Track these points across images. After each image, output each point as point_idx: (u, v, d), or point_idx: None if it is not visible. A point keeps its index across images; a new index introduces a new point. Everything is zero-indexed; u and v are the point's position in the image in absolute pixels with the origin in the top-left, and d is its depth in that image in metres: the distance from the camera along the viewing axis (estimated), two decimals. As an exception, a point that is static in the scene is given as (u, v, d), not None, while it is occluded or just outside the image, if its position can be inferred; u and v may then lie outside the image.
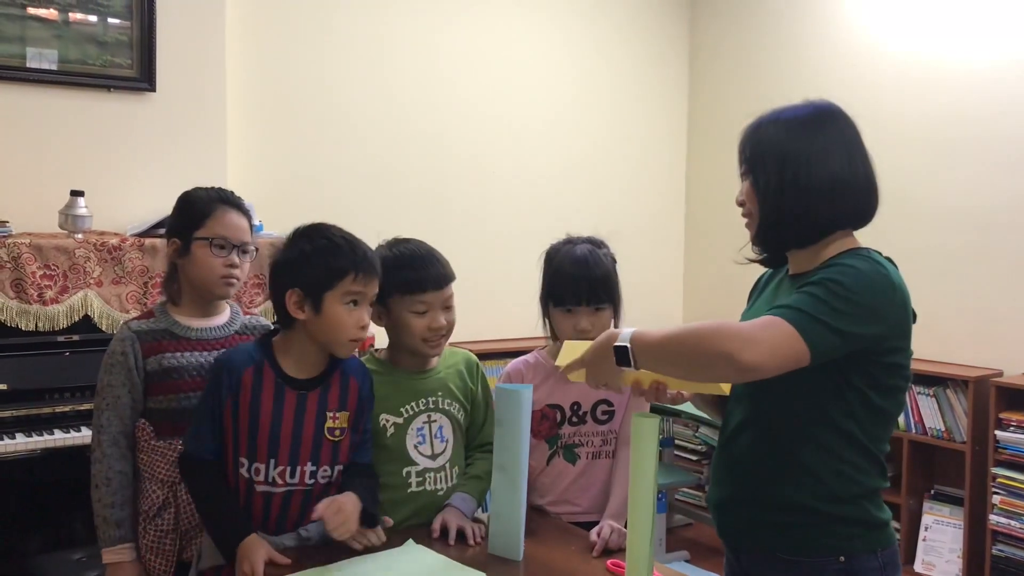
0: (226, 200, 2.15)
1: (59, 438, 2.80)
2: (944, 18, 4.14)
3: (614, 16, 5.06)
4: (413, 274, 2.00)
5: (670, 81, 5.33)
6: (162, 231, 3.14)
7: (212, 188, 2.19)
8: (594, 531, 1.97)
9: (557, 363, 1.75)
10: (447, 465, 2.08)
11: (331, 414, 1.92)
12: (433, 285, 2.00)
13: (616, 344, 1.58)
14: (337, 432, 1.93)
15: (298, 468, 1.89)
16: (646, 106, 5.24)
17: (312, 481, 1.91)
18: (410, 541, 1.93)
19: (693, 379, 1.63)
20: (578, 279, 2.12)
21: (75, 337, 2.95)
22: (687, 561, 4.29)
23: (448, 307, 2.04)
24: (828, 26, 4.62)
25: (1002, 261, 3.97)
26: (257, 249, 2.23)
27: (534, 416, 2.10)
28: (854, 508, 1.65)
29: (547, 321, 2.22)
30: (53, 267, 2.92)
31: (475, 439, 2.18)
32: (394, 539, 1.93)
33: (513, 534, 1.88)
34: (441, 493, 2.06)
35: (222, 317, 2.19)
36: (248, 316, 2.27)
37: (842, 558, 1.63)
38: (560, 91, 4.88)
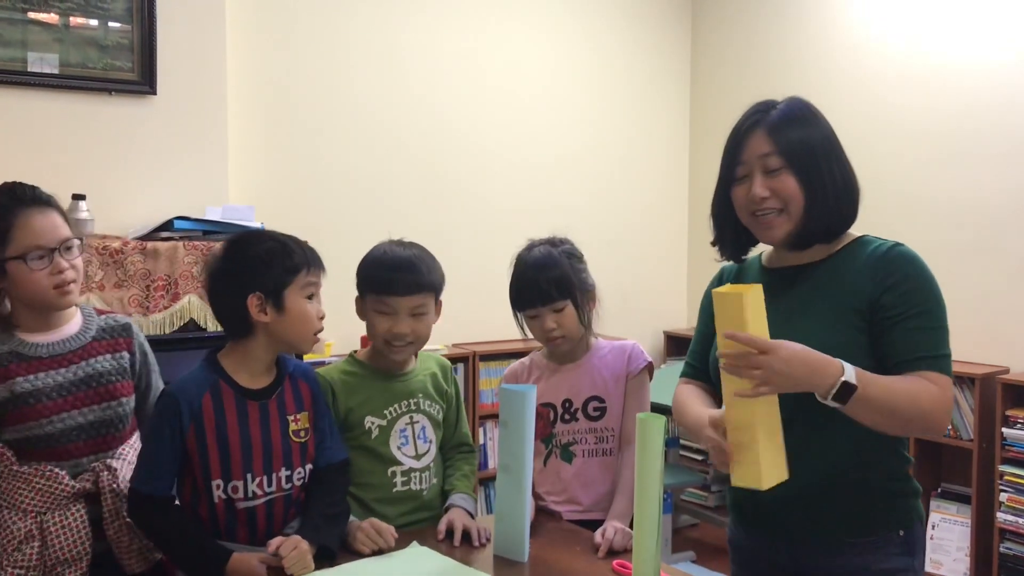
0: (21, 202, 1.93)
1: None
2: (946, 14, 4.13)
3: (616, 14, 5.05)
4: (382, 275, 2.02)
5: (672, 78, 5.32)
6: (164, 235, 3.14)
7: (5, 188, 1.96)
8: (599, 532, 1.96)
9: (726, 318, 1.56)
10: (431, 465, 2.11)
11: (292, 417, 1.93)
12: (400, 290, 2.00)
13: (845, 380, 1.53)
14: (302, 433, 1.94)
15: (274, 475, 1.89)
16: (649, 104, 5.23)
17: (289, 485, 1.91)
18: (415, 543, 1.92)
19: (883, 429, 1.63)
20: (531, 282, 2.15)
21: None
22: (693, 561, 4.28)
23: (417, 315, 2.04)
24: (831, 21, 4.60)
25: (1008, 258, 3.95)
26: (83, 239, 2.04)
27: None
28: (907, 483, 1.75)
29: (522, 328, 2.25)
30: (55, 271, 2.90)
31: (451, 439, 2.22)
32: (397, 543, 1.92)
33: (518, 535, 1.88)
34: (426, 493, 2.09)
35: (73, 325, 2.04)
36: (105, 316, 2.12)
37: (902, 531, 1.71)
38: (562, 90, 4.87)
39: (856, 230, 1.80)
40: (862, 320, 1.67)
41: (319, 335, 1.93)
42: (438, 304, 2.11)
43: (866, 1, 4.44)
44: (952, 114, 4.11)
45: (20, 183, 1.99)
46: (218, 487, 1.85)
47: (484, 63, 4.58)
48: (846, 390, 1.53)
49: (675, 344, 5.25)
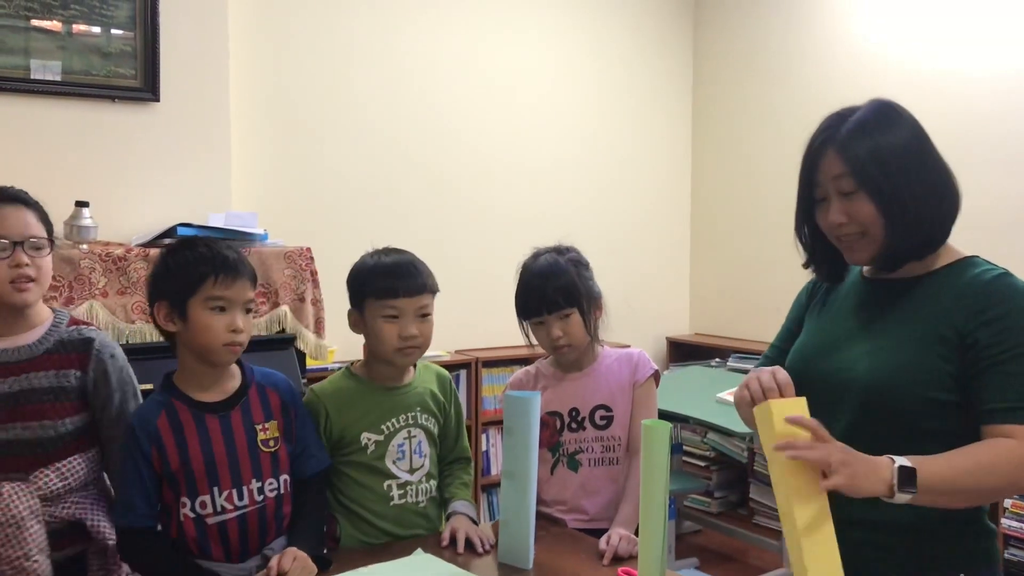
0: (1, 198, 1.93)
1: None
2: (951, 18, 4.13)
3: (618, 18, 5.05)
4: (386, 280, 2.00)
5: (674, 82, 5.33)
6: (167, 241, 3.14)
7: None
8: (603, 539, 1.96)
9: (770, 431, 1.48)
10: (425, 478, 2.09)
11: (259, 426, 1.90)
12: (405, 292, 1.99)
13: (899, 464, 1.43)
14: (271, 443, 1.90)
15: (244, 488, 1.85)
16: (650, 111, 5.23)
17: (262, 497, 1.87)
18: (419, 550, 1.92)
19: (967, 504, 1.54)
20: (537, 291, 2.15)
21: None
22: (696, 568, 4.26)
23: (423, 316, 2.03)
24: (833, 25, 4.61)
25: (1012, 262, 3.93)
26: (53, 241, 2.00)
27: None
28: (973, 523, 1.61)
29: (527, 336, 2.24)
30: (59, 278, 2.90)
31: (451, 452, 2.20)
32: (398, 550, 1.92)
33: (522, 542, 1.87)
34: (421, 505, 2.07)
35: (33, 333, 1.98)
36: (72, 328, 2.04)
37: (962, 575, 1.57)
38: (564, 95, 4.88)
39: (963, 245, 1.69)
40: (947, 349, 1.55)
41: (235, 348, 1.84)
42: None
43: (869, 4, 4.45)
44: (957, 118, 4.10)
45: (4, 186, 2.00)
46: (184, 504, 1.81)
47: (487, 68, 4.59)
48: (906, 474, 1.41)
49: (678, 350, 5.25)
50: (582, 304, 2.15)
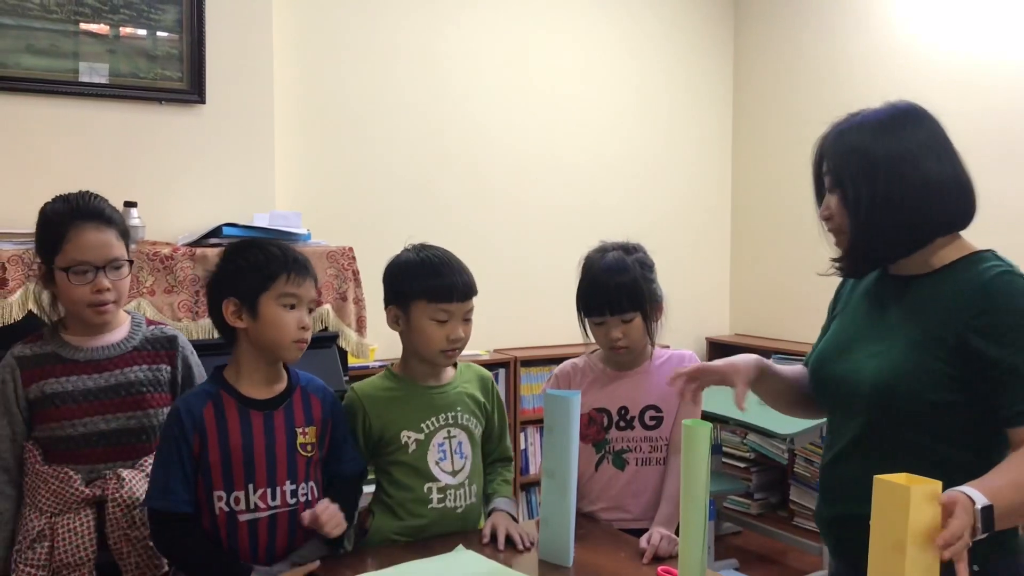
0: (81, 215, 1.97)
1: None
2: (994, 16, 4.07)
3: (657, 19, 5.04)
4: (440, 281, 1.98)
5: (715, 85, 5.31)
6: (213, 241, 3.19)
7: (70, 198, 2.01)
8: (644, 538, 1.96)
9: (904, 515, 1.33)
10: (466, 482, 2.07)
11: (300, 430, 1.92)
12: (460, 296, 1.99)
13: (979, 508, 1.36)
14: (309, 448, 1.93)
15: (278, 489, 1.87)
16: (690, 110, 5.22)
17: (294, 500, 1.89)
18: (460, 547, 1.94)
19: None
20: (603, 289, 2.12)
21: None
22: (736, 569, 4.25)
23: (467, 319, 2.03)
24: (877, 25, 4.56)
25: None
26: (131, 261, 2.06)
27: (581, 420, 2.10)
28: None
29: (585, 331, 2.23)
30: (107, 277, 2.96)
31: (493, 453, 2.20)
32: (438, 547, 1.94)
33: (562, 540, 1.88)
34: (460, 511, 2.06)
35: (118, 333, 2.07)
36: (153, 327, 2.15)
37: (976, 567, 1.53)
38: (603, 96, 4.88)
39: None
40: (945, 351, 1.57)
41: (302, 344, 1.89)
42: None
43: (909, 5, 4.39)
44: (1002, 115, 4.04)
45: (87, 194, 2.03)
46: (220, 499, 1.84)
47: (526, 68, 4.61)
48: (987, 514, 1.36)
49: (718, 350, 5.22)
50: (645, 307, 2.14)
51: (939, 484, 1.34)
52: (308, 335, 1.89)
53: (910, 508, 1.29)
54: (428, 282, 1.99)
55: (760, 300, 5.22)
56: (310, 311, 1.92)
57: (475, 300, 2.06)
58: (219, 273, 1.92)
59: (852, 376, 1.68)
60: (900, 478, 1.33)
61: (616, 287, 2.11)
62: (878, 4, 4.55)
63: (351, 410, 2.05)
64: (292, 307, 1.87)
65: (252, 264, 1.87)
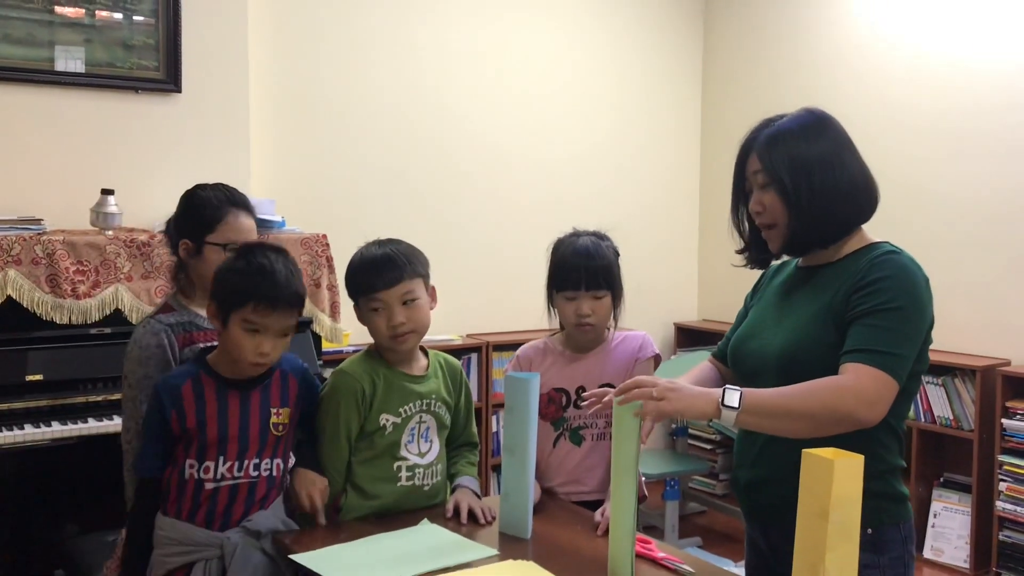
0: (236, 203, 2.23)
1: (93, 426, 2.93)
2: (955, 15, 4.19)
3: (628, 13, 5.13)
4: (363, 277, 2.09)
5: (684, 76, 5.40)
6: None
7: (218, 188, 2.25)
8: (598, 512, 2.06)
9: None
10: (434, 462, 2.17)
11: (274, 410, 2.03)
12: (383, 284, 2.06)
13: (725, 404, 1.66)
14: (280, 427, 2.03)
15: (245, 463, 1.99)
16: (660, 101, 5.31)
17: (256, 473, 2.00)
18: (425, 520, 2.03)
19: (801, 435, 1.66)
20: (580, 266, 2.22)
21: (107, 330, 3.06)
22: (699, 547, 4.37)
23: (409, 303, 2.08)
24: (842, 21, 4.67)
25: (1010, 251, 4.02)
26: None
27: (541, 399, 2.20)
28: (881, 483, 1.79)
29: (551, 308, 2.33)
30: (85, 263, 3.03)
31: (459, 438, 2.30)
32: (405, 521, 2.04)
33: (522, 513, 1.98)
34: (427, 488, 2.15)
35: None
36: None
37: (869, 530, 1.72)
38: (575, 87, 4.96)
39: (874, 230, 1.87)
40: (838, 321, 1.75)
41: (258, 367, 1.98)
42: (431, 290, 2.15)
43: (875, 3, 4.51)
44: (958, 112, 4.18)
45: (233, 188, 2.28)
46: (191, 466, 1.96)
47: (500, 61, 4.68)
48: (732, 396, 1.66)
49: (686, 336, 5.34)
50: (615, 288, 2.26)
51: (861, 458, 1.44)
52: (267, 359, 1.97)
53: (833, 480, 1.41)
54: (358, 277, 2.11)
55: (727, 287, 5.33)
56: (285, 335, 1.99)
57: (448, 286, 2.12)
58: (219, 273, 2.01)
59: (761, 350, 1.87)
60: (827, 452, 1.44)
61: (592, 264, 2.22)
62: (843, 2, 4.67)
63: (349, 389, 2.10)
64: (255, 331, 1.94)
65: (232, 281, 1.96)
